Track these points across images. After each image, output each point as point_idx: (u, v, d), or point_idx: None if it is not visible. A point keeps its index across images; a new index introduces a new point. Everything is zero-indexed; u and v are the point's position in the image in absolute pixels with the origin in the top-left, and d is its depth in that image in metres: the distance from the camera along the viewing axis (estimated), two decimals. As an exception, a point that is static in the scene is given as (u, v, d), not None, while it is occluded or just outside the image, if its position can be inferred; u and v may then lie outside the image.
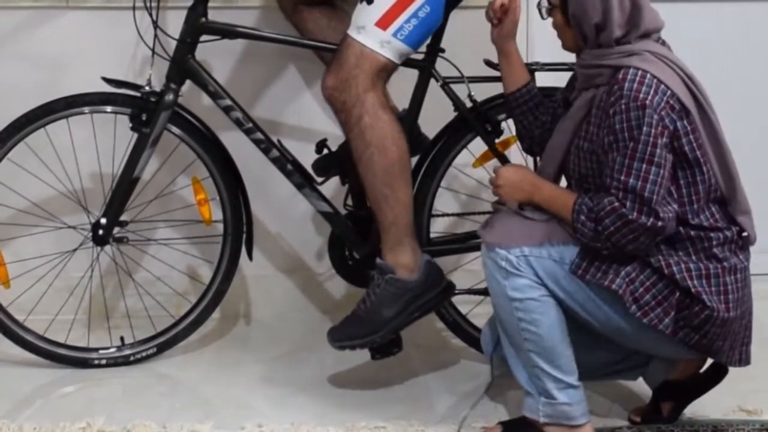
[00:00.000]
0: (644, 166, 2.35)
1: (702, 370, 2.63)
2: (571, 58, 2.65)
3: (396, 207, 2.74)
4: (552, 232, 2.45)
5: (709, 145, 2.45)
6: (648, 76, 2.39)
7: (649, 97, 2.37)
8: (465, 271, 3.19)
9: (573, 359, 2.48)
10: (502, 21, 2.71)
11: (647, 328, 2.41)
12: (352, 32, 2.69)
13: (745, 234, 2.48)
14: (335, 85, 2.69)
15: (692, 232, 2.43)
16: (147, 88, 2.89)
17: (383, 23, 2.66)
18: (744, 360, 2.53)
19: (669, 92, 2.40)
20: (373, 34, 2.66)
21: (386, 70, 2.70)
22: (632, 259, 2.40)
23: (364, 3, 2.68)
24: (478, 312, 3.06)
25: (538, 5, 2.59)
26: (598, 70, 2.47)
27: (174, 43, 2.89)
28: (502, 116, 2.90)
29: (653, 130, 2.35)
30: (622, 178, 2.36)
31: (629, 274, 2.40)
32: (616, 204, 2.35)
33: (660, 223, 2.35)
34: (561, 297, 2.45)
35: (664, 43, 2.54)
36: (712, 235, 2.43)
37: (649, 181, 2.35)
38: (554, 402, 2.48)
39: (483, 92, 2.90)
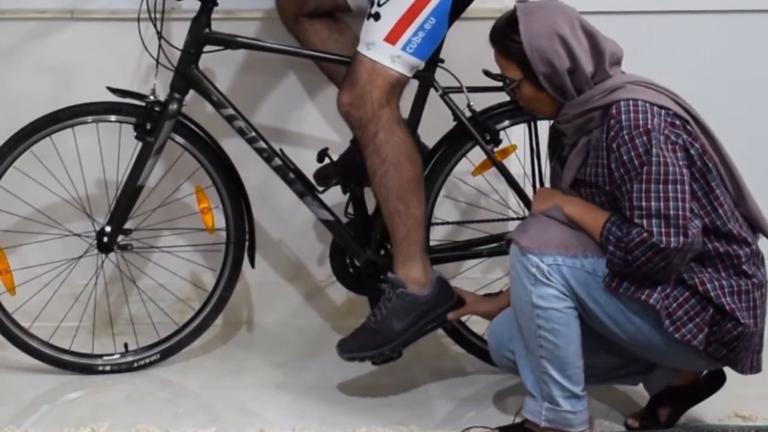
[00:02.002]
0: (661, 186, 2.34)
1: (702, 377, 2.65)
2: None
3: (409, 222, 2.76)
4: (588, 245, 2.44)
5: (712, 151, 2.46)
6: (640, 102, 2.40)
7: (649, 122, 2.38)
8: (465, 278, 3.21)
9: (582, 370, 2.48)
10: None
11: (678, 342, 2.41)
12: (362, 49, 2.71)
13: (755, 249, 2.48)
14: (351, 102, 2.71)
15: (721, 249, 2.42)
16: (151, 97, 2.90)
17: (392, 38, 2.68)
18: (755, 367, 2.52)
19: (663, 111, 2.41)
20: (382, 50, 2.68)
21: (399, 84, 2.72)
22: None
23: (372, 19, 2.70)
24: (477, 319, 3.05)
25: (504, 88, 2.57)
26: (588, 115, 2.46)
27: (178, 54, 2.91)
28: (501, 125, 2.92)
29: (662, 151, 2.35)
30: (643, 204, 2.34)
31: (664, 289, 2.39)
32: (645, 234, 2.33)
33: (689, 241, 2.34)
34: (591, 307, 2.44)
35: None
36: (740, 252, 2.43)
37: (670, 200, 2.34)
38: (558, 409, 2.49)
39: (482, 102, 2.91)
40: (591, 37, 2.47)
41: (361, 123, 2.72)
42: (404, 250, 2.77)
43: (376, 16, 2.70)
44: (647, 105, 2.40)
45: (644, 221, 2.34)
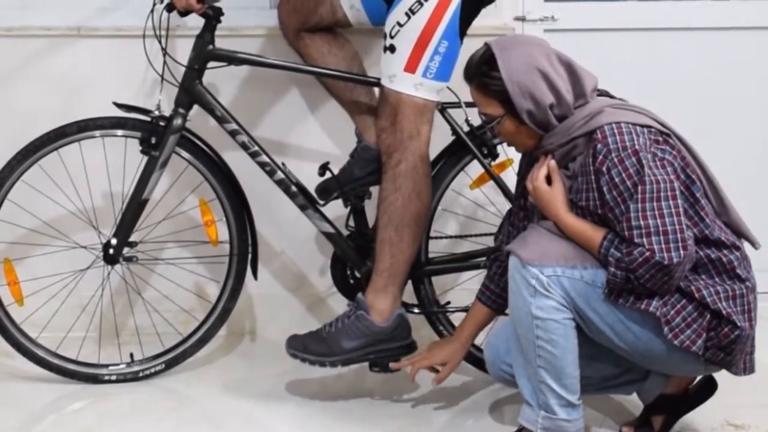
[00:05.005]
0: (655, 204, 2.37)
1: (694, 385, 2.67)
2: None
3: (397, 255, 2.81)
4: (587, 256, 2.46)
5: (694, 163, 2.49)
6: (622, 125, 2.43)
7: (636, 142, 2.40)
8: (462, 290, 3.23)
9: (579, 380, 2.51)
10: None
11: (677, 349, 2.43)
12: (385, 82, 2.77)
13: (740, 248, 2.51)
14: (385, 128, 2.79)
15: (713, 255, 2.45)
16: (156, 112, 2.93)
17: (410, 67, 2.74)
18: (749, 368, 2.54)
19: (646, 129, 2.44)
20: (404, 80, 2.75)
21: (428, 109, 2.78)
22: None
23: (388, 52, 2.76)
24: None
25: (486, 124, 2.57)
26: (572, 143, 2.48)
27: (182, 70, 2.94)
28: (498, 140, 2.94)
29: (653, 169, 2.39)
30: (641, 222, 2.36)
31: (662, 296, 2.41)
32: (648, 253, 2.35)
33: (688, 252, 2.36)
34: (590, 317, 2.46)
35: (603, 94, 2.58)
36: (731, 256, 2.46)
37: (665, 216, 2.36)
38: (554, 417, 2.51)
39: (479, 117, 2.96)
40: (568, 66, 2.49)
41: (388, 149, 2.79)
42: (382, 279, 2.83)
43: (392, 49, 2.75)
44: (630, 126, 2.43)
45: (644, 240, 2.36)
